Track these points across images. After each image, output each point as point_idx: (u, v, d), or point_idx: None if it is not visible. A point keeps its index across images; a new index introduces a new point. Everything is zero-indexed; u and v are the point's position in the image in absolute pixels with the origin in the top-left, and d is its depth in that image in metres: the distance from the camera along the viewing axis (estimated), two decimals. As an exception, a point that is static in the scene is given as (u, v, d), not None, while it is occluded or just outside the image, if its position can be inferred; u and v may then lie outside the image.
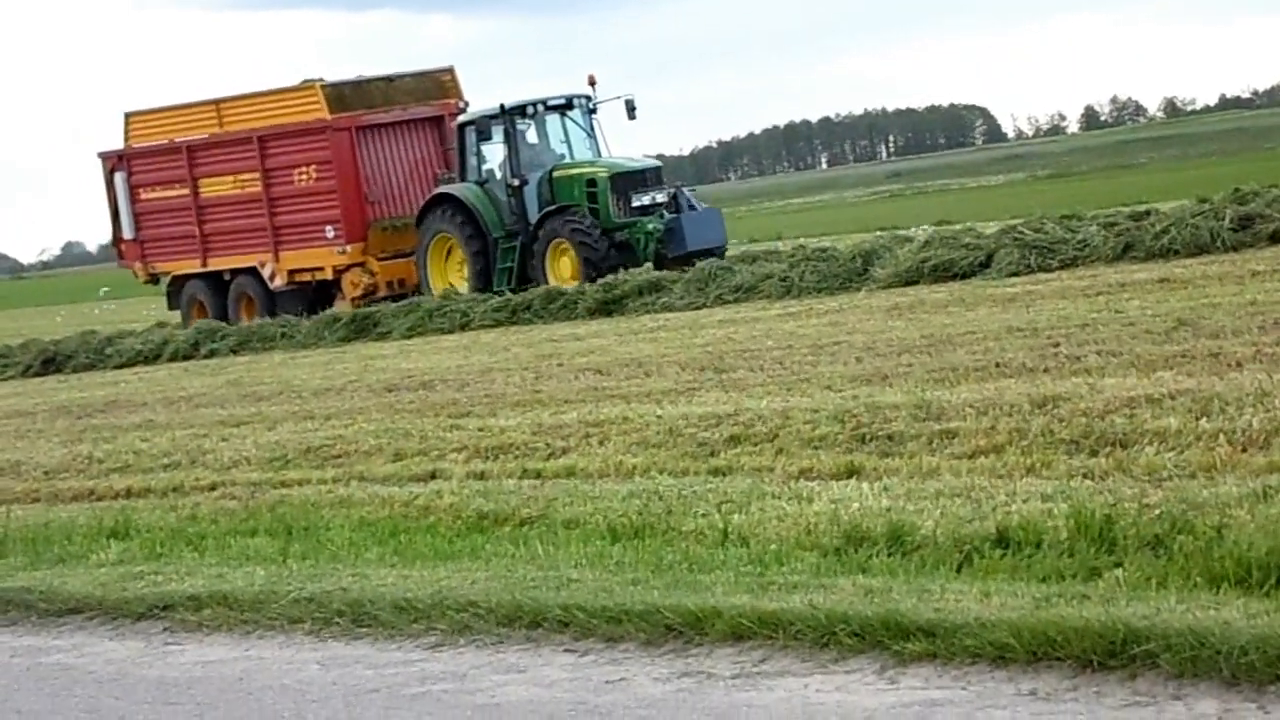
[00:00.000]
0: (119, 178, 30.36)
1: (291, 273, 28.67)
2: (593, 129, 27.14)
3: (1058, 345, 13.06)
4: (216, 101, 29.57)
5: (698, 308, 21.88)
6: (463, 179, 26.92)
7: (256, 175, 28.71)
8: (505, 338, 21.92)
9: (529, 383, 16.04)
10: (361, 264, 28.03)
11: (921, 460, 9.91)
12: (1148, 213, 21.77)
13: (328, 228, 28.12)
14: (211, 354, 26.07)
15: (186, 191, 29.56)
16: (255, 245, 28.89)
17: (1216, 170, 51.99)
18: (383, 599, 8.18)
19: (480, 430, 13.23)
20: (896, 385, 12.16)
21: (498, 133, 26.65)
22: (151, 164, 30.10)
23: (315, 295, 28.46)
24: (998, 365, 12.39)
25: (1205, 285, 16.06)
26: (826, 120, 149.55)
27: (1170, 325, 13.29)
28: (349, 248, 28.00)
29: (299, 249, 28.56)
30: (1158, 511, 7.89)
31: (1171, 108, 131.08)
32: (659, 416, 12.39)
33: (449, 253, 26.97)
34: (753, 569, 8.11)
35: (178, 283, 29.98)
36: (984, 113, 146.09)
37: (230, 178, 29.17)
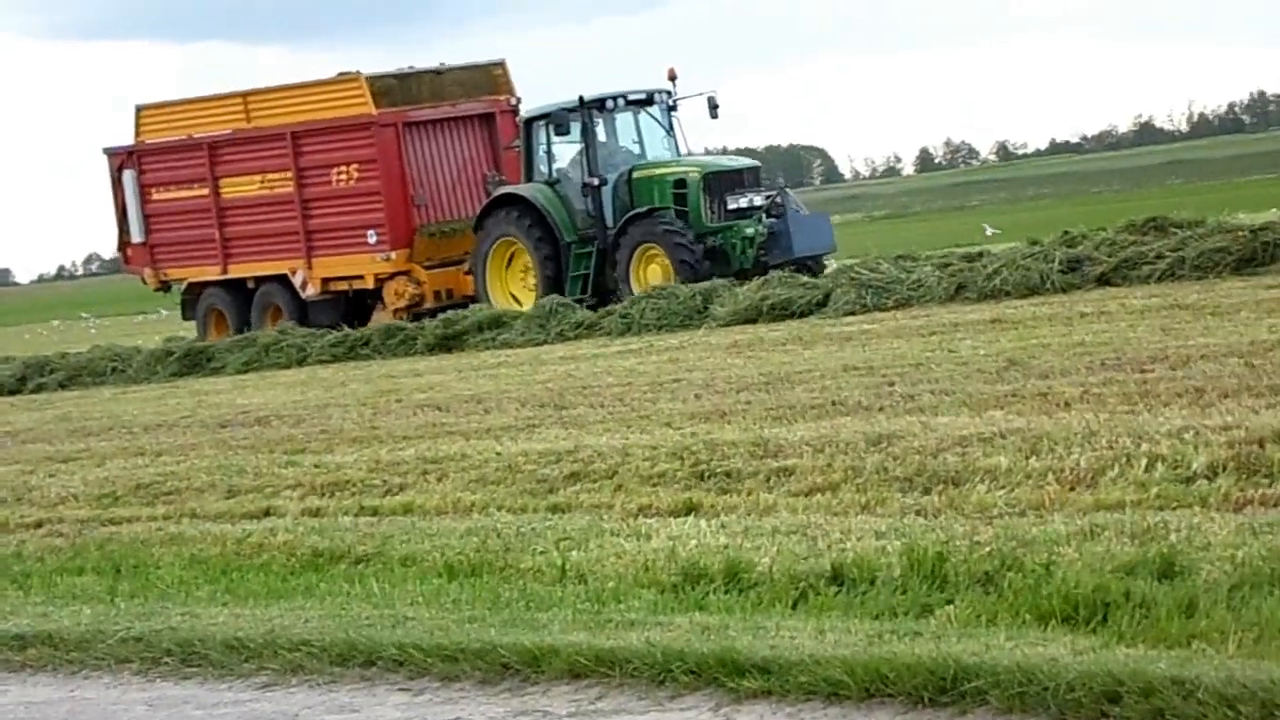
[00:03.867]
0: (128, 176, 27.80)
1: (326, 281, 26.38)
2: (672, 127, 24.98)
3: (893, 384, 13.24)
4: (244, 94, 27.20)
5: (538, 344, 21.87)
6: (529, 179, 24.66)
7: (289, 175, 26.36)
8: (343, 373, 21.72)
9: (367, 419, 15.90)
10: (406, 272, 25.83)
11: (759, 497, 9.97)
12: (980, 254, 22.18)
13: (370, 232, 25.88)
14: (39, 389, 25.48)
15: (206, 192, 27.09)
16: (285, 251, 26.56)
17: (1046, 213, 53.21)
18: (213, 638, 8.04)
19: (316, 467, 13.09)
20: (735, 423, 12.24)
21: (574, 129, 24.33)
22: (166, 161, 27.62)
23: (350, 305, 26.42)
24: (834, 403, 12.53)
25: (1035, 326, 16.38)
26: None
27: (1001, 365, 13.53)
28: (393, 254, 25.75)
29: (336, 255, 26.24)
30: (988, 549, 8.01)
31: (1003, 151, 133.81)
32: (498, 453, 12.34)
33: (510, 260, 24.82)
34: (590, 606, 8.10)
35: (194, 291, 27.64)
36: (822, 154, 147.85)
37: (258, 177, 26.76)
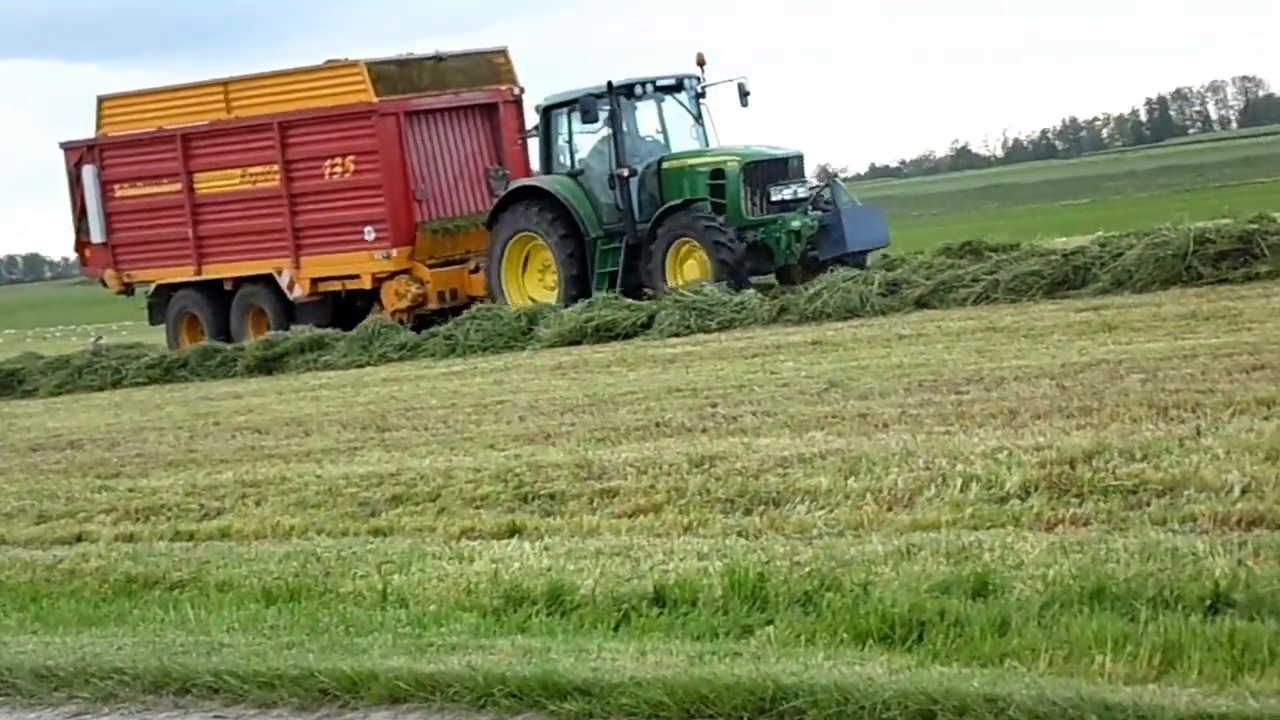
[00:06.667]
0: (87, 172, 25.97)
1: (315, 281, 24.63)
2: (701, 114, 23.53)
3: (715, 405, 13.33)
4: (224, 82, 25.37)
5: (361, 365, 21.68)
6: (547, 170, 23.26)
7: (274, 168, 24.66)
8: (159, 396, 21.33)
9: (183, 442, 15.62)
10: (407, 271, 24.19)
11: (582, 519, 9.98)
12: (803, 277, 22.40)
13: (367, 229, 24.20)
14: None
15: (178, 187, 25.36)
16: (268, 249, 24.83)
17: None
18: (21, 667, 7.85)
19: (131, 491, 12.83)
20: (559, 444, 12.24)
21: (600, 116, 22.81)
22: (132, 155, 25.82)
23: (341, 307, 24.75)
24: (658, 425, 12.58)
25: (855, 348, 16.61)
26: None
27: (822, 386, 13.70)
28: (394, 252, 24.07)
29: (327, 253, 24.53)
30: (808, 569, 8.10)
31: (824, 175, 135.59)
32: (319, 476, 12.20)
33: (527, 257, 23.32)
34: (411, 630, 8.04)
35: (163, 294, 25.81)
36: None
37: (238, 171, 25.04)
